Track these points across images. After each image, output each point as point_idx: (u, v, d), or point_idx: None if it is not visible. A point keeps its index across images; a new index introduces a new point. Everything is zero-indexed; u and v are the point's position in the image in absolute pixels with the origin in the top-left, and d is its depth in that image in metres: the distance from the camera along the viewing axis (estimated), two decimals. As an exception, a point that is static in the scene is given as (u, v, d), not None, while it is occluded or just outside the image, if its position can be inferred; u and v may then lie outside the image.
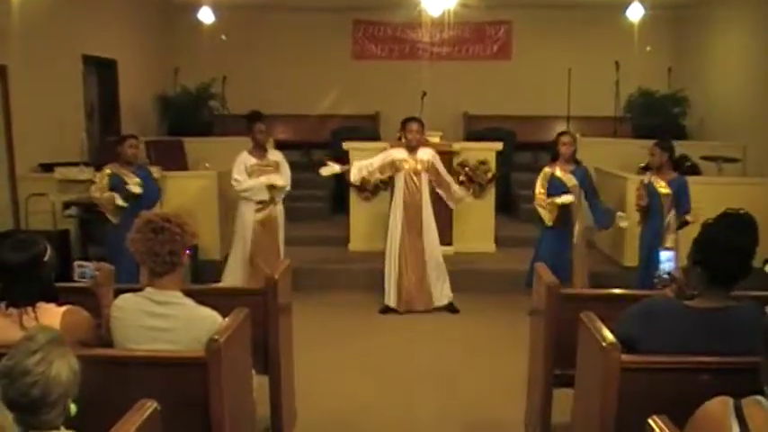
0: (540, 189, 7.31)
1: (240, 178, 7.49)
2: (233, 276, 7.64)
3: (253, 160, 7.53)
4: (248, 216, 7.58)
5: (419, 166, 7.68)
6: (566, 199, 7.14)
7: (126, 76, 11.98)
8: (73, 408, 2.16)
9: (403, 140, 7.79)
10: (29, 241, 3.21)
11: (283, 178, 7.61)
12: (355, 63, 14.23)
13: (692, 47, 12.99)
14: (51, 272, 3.27)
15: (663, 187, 6.81)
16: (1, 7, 8.38)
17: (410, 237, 7.69)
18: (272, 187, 7.48)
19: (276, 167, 7.61)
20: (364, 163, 7.81)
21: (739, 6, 11.46)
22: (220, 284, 7.20)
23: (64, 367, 2.10)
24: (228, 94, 13.11)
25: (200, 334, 3.18)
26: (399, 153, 7.74)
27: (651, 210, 6.88)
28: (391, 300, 7.74)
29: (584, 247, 7.54)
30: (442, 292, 7.79)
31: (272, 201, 7.57)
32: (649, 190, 6.87)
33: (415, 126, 7.61)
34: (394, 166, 7.70)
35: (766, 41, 10.45)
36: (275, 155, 7.73)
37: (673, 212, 6.84)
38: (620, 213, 7.40)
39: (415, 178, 7.67)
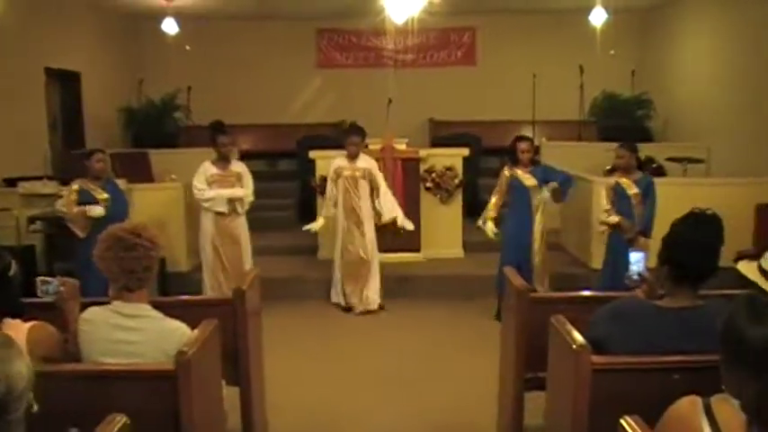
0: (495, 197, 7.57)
1: (202, 187, 7.51)
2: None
3: (214, 170, 7.55)
4: (208, 228, 7.61)
5: (357, 174, 7.96)
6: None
7: (90, 88, 11.89)
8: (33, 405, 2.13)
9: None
10: (-7, 256, 3.14)
11: (246, 190, 7.63)
12: (320, 71, 14.23)
13: (655, 50, 13.14)
14: (17, 287, 3.21)
15: (631, 187, 6.81)
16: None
17: (351, 239, 8.00)
18: (232, 200, 7.50)
19: (238, 179, 7.62)
20: (328, 197, 8.17)
21: (701, 10, 11.62)
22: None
23: (22, 363, 2.08)
24: (193, 104, 13.06)
25: (170, 346, 3.14)
26: (340, 161, 8.05)
27: (623, 211, 6.82)
28: (339, 297, 8.11)
29: (546, 249, 7.60)
30: (375, 295, 8.04)
31: (232, 212, 7.55)
32: (618, 192, 6.88)
33: (355, 139, 7.96)
34: (336, 173, 8.01)
35: (728, 44, 10.61)
36: (238, 166, 7.74)
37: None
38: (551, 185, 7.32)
39: (353, 183, 7.96)
